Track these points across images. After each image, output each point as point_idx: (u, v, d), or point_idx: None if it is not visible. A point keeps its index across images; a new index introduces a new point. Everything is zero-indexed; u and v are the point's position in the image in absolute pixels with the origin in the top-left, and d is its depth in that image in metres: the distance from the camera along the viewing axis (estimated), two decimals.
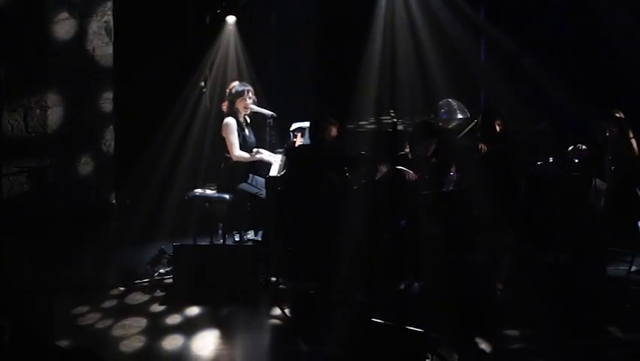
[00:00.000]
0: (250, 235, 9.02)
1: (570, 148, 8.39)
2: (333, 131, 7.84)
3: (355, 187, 7.64)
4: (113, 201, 9.36)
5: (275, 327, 7.42)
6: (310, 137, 7.96)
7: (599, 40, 10.01)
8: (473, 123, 8.52)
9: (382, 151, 7.99)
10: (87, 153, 9.30)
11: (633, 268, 8.21)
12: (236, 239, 8.96)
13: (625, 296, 7.84)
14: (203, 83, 9.66)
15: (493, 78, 10.29)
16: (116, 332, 7.16)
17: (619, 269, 8.44)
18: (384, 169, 7.69)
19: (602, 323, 7.33)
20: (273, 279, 8.08)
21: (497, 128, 8.16)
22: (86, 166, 9.30)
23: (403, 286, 7.95)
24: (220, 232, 8.82)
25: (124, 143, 9.53)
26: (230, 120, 8.58)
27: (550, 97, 10.01)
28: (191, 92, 9.64)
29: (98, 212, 9.16)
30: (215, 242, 8.70)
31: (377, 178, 7.68)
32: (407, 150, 8.03)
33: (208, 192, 8.77)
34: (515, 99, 9.85)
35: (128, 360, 6.60)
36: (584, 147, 8.33)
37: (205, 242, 8.70)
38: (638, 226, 6.75)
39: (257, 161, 8.72)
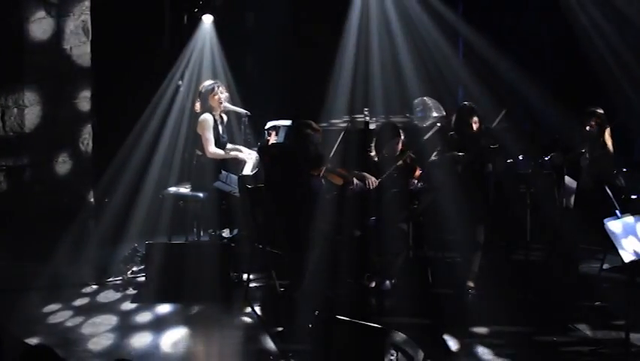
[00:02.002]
0: (225, 233, 9.02)
1: (548, 157, 8.37)
2: (317, 137, 7.75)
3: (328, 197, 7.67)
4: (91, 200, 9.37)
5: (245, 325, 7.45)
6: (293, 141, 7.90)
7: (576, 39, 10.00)
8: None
9: (353, 149, 8.04)
10: (65, 151, 9.30)
11: (605, 266, 8.22)
12: (212, 237, 8.96)
13: (596, 294, 7.85)
14: (180, 82, 9.68)
15: (470, 77, 10.30)
16: (86, 329, 7.21)
17: (591, 267, 8.47)
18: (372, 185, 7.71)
19: (571, 320, 7.38)
20: (245, 277, 8.10)
21: (473, 126, 8.19)
22: (63, 165, 9.31)
23: (373, 284, 8.00)
24: (195, 230, 8.83)
25: (102, 142, 9.54)
26: (207, 116, 8.57)
27: (529, 95, 10.01)
28: (165, 90, 9.65)
29: (75, 210, 9.16)
30: (190, 240, 8.72)
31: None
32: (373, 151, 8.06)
33: (182, 190, 8.78)
34: (493, 98, 9.91)
35: (96, 358, 6.62)
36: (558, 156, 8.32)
37: (180, 240, 8.71)
38: (605, 224, 6.73)
39: (232, 158, 8.74)
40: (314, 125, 7.71)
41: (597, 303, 7.74)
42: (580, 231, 7.82)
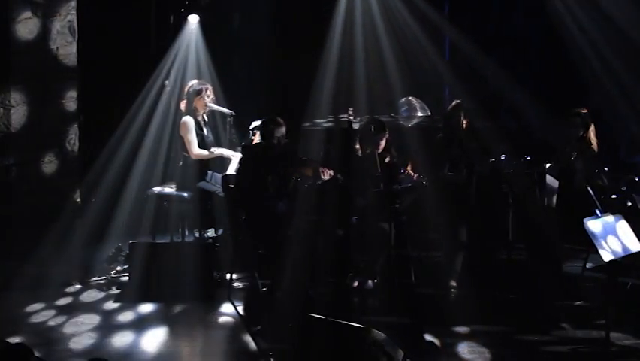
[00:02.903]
0: (210, 233, 9.04)
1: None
2: (282, 131, 7.87)
3: (306, 185, 7.68)
4: (78, 200, 9.38)
5: (226, 324, 7.46)
6: (261, 137, 7.99)
7: (562, 38, 10.00)
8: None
9: (335, 149, 8.06)
10: (51, 151, 9.30)
11: (589, 266, 8.22)
12: (197, 237, 8.98)
13: (578, 294, 7.86)
14: (167, 82, 9.69)
15: (458, 76, 10.31)
16: (68, 329, 7.24)
17: (575, 266, 8.48)
18: (326, 176, 7.72)
19: (553, 320, 7.39)
20: (228, 276, 8.12)
21: (463, 124, 8.21)
22: (50, 165, 9.30)
23: (356, 284, 8.01)
24: (180, 230, 8.84)
25: (88, 142, 9.54)
26: (187, 119, 8.62)
27: (516, 95, 10.02)
28: (150, 90, 9.65)
29: (61, 210, 9.16)
30: (175, 240, 8.73)
31: (319, 183, 7.73)
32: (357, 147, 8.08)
33: (167, 190, 8.80)
34: (480, 97, 9.93)
35: (76, 357, 6.63)
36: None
37: (165, 240, 8.72)
38: (584, 223, 6.74)
39: (217, 158, 8.76)
40: (278, 119, 7.85)
41: (579, 303, 7.77)
42: (565, 231, 7.84)
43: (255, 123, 8.77)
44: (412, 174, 7.96)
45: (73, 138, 9.41)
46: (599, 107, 9.67)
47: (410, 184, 7.85)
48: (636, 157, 9.71)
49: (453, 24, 10.71)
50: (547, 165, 8.10)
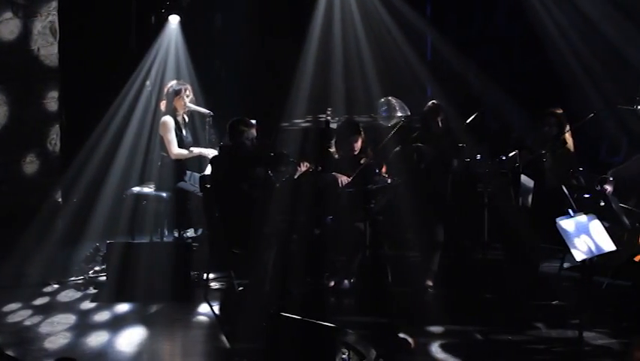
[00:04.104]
0: (190, 233, 9.06)
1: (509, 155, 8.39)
2: (250, 134, 7.90)
3: (277, 185, 7.69)
4: (59, 200, 9.40)
5: (201, 324, 7.50)
6: (230, 138, 8.02)
7: (545, 39, 10.02)
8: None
9: (312, 148, 8.08)
10: (32, 151, 9.32)
11: (566, 265, 8.23)
12: (176, 237, 9.00)
13: (554, 293, 7.87)
14: (148, 82, 9.71)
15: (440, 76, 10.33)
16: (43, 328, 7.26)
17: (552, 266, 8.50)
18: (303, 168, 7.74)
19: (528, 319, 7.41)
20: (205, 276, 8.14)
21: (440, 124, 8.24)
22: (31, 165, 9.33)
23: (332, 284, 8.03)
24: (159, 230, 8.86)
25: (70, 142, 9.56)
26: (167, 119, 8.65)
27: (498, 95, 10.04)
28: (129, 91, 9.68)
29: (43, 210, 9.18)
30: (155, 240, 8.75)
31: (296, 176, 7.74)
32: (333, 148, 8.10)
33: (146, 190, 8.83)
34: (463, 97, 9.96)
35: (51, 357, 6.61)
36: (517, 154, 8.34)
37: (144, 240, 8.74)
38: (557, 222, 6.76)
39: (200, 158, 8.79)
40: (247, 121, 7.87)
41: (555, 302, 7.78)
42: (540, 230, 7.85)
43: None
44: (387, 175, 7.98)
45: (54, 138, 9.44)
46: (580, 107, 9.70)
47: (384, 185, 7.86)
48: (616, 157, 9.73)
49: (435, 25, 10.71)
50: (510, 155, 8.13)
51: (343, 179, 7.88)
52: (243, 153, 7.77)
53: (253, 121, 8.13)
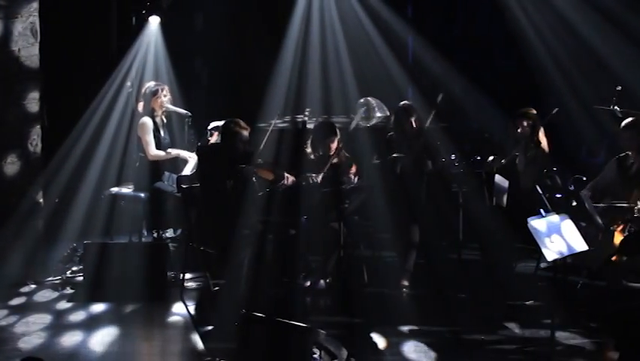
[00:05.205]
0: (169, 233, 9.09)
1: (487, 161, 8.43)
2: (245, 135, 7.83)
3: (260, 193, 7.73)
4: (40, 200, 9.41)
5: (176, 324, 7.51)
6: (222, 139, 7.96)
7: (526, 39, 10.05)
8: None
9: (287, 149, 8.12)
10: (13, 152, 9.30)
11: (543, 265, 8.25)
12: (154, 237, 9.02)
13: (529, 293, 7.89)
14: (129, 83, 9.74)
15: (421, 77, 10.36)
16: (19, 328, 7.28)
17: (528, 266, 8.52)
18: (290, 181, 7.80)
19: (502, 319, 7.43)
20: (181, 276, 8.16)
21: (413, 124, 8.26)
22: (12, 166, 9.31)
23: (308, 284, 8.06)
24: (137, 230, 8.87)
25: (51, 143, 9.58)
26: (146, 120, 8.68)
27: (480, 95, 10.07)
28: (108, 91, 9.70)
29: (23, 211, 9.19)
30: (133, 240, 8.77)
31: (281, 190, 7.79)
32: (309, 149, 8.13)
33: (124, 190, 8.85)
34: (445, 97, 9.96)
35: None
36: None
37: (122, 241, 8.76)
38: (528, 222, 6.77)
39: (175, 159, 8.81)
40: (242, 123, 7.82)
41: (530, 302, 7.80)
42: (515, 230, 7.87)
43: (214, 124, 8.80)
44: (353, 177, 8.02)
45: (35, 140, 9.42)
46: (560, 107, 9.73)
47: (356, 185, 7.90)
48: (596, 158, 9.75)
49: (416, 25, 10.74)
50: (490, 158, 8.14)
51: (291, 178, 7.94)
52: (233, 154, 7.74)
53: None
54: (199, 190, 7.88)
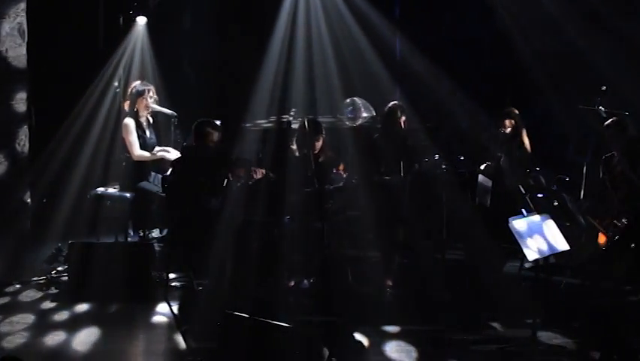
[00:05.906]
0: (155, 233, 9.11)
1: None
2: (215, 136, 7.95)
3: (238, 184, 7.76)
4: (28, 200, 9.43)
5: (159, 324, 7.52)
6: (194, 139, 8.05)
7: (515, 40, 10.07)
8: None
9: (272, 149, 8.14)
10: (1, 152, 9.32)
11: (528, 265, 8.26)
12: (141, 237, 9.03)
13: (513, 293, 7.89)
14: (117, 83, 9.76)
15: (409, 76, 10.37)
16: (2, 328, 7.28)
17: (513, 266, 8.53)
18: (259, 175, 7.82)
19: (485, 319, 7.45)
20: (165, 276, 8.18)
21: (402, 124, 8.28)
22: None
23: (292, 283, 8.07)
24: (123, 230, 8.89)
25: (39, 143, 9.60)
26: (128, 121, 8.70)
27: (468, 95, 10.09)
28: (94, 91, 9.72)
29: (11, 211, 9.21)
30: (119, 240, 8.78)
31: (251, 183, 7.81)
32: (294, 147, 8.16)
33: (110, 190, 8.87)
34: (432, 97, 10.01)
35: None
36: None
37: (108, 240, 8.77)
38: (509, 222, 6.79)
39: (160, 160, 8.82)
40: (213, 123, 7.89)
41: (513, 302, 7.80)
42: (499, 230, 7.87)
43: None
44: (343, 174, 8.03)
45: (23, 140, 9.44)
46: (549, 107, 9.77)
47: (341, 184, 7.91)
48: (583, 157, 9.76)
49: (403, 26, 10.76)
50: (482, 166, 8.17)
51: (260, 171, 7.97)
52: (206, 154, 7.79)
53: (217, 122, 8.20)
54: (178, 191, 7.92)
